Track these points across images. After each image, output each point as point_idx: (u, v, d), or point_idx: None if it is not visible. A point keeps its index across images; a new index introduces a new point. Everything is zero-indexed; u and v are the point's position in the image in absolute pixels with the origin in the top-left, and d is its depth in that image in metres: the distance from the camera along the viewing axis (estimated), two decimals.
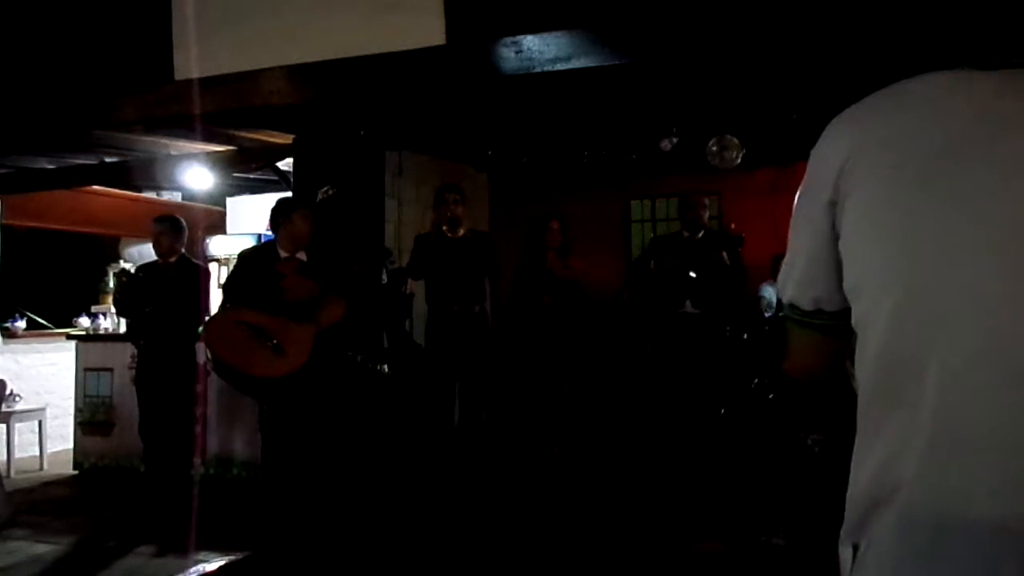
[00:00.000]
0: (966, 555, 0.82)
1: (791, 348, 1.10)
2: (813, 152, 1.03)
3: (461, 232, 4.90)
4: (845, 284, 0.97)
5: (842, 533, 0.94)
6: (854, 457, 0.94)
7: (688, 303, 5.10)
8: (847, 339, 1.03)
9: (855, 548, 0.91)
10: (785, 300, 1.07)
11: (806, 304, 1.03)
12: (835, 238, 0.97)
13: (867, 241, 0.93)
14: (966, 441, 0.83)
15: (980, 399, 0.83)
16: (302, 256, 4.20)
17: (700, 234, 5.24)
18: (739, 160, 5.38)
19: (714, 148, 5.37)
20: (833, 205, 0.96)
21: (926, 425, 0.85)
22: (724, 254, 5.03)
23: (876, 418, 0.92)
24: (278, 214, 4.24)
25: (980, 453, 0.82)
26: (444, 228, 4.86)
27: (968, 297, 0.85)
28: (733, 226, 5.36)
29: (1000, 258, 0.85)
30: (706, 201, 5.31)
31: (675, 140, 5.30)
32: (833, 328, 1.03)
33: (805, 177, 1.03)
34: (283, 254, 4.18)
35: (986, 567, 0.81)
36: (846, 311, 0.99)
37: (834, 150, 0.98)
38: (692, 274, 5.06)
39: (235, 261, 4.37)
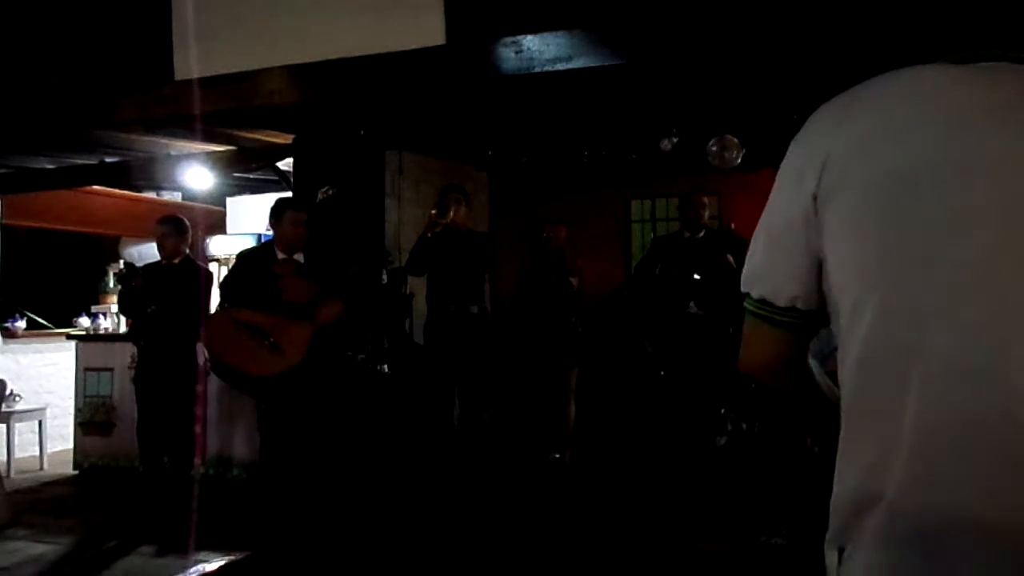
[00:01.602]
0: (958, 559, 0.81)
1: (752, 344, 1.05)
2: (794, 142, 1.00)
3: (451, 215, 4.77)
4: (826, 285, 0.95)
5: (827, 537, 0.93)
6: (837, 462, 0.93)
7: (692, 304, 5.10)
8: (809, 340, 1.02)
9: (840, 552, 0.91)
10: (755, 295, 1.02)
11: (782, 301, 0.99)
12: (817, 234, 0.93)
13: (848, 244, 0.90)
14: (950, 447, 0.82)
15: (963, 404, 0.81)
16: (299, 257, 4.21)
17: (701, 234, 5.24)
18: (739, 160, 5.37)
19: (714, 148, 5.37)
20: (815, 199, 0.93)
21: (909, 432, 0.83)
22: (730, 256, 5.00)
23: (858, 424, 0.90)
24: (273, 215, 4.26)
25: (965, 457, 0.81)
26: (433, 212, 4.79)
27: (951, 303, 0.83)
28: (733, 225, 5.35)
29: (985, 263, 0.83)
30: (705, 200, 5.31)
31: (675, 140, 5.29)
32: (802, 328, 1.00)
33: (784, 168, 1.00)
34: (280, 255, 4.19)
35: (980, 569, 0.80)
36: (818, 312, 0.97)
37: (818, 142, 0.95)
38: (696, 276, 5.05)
39: (233, 262, 4.38)
